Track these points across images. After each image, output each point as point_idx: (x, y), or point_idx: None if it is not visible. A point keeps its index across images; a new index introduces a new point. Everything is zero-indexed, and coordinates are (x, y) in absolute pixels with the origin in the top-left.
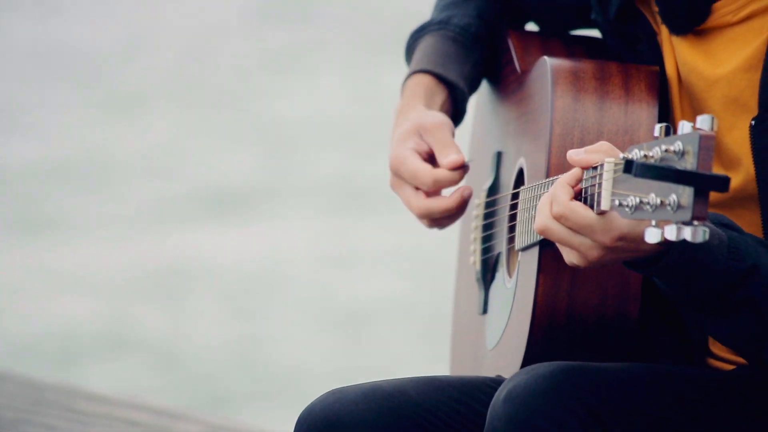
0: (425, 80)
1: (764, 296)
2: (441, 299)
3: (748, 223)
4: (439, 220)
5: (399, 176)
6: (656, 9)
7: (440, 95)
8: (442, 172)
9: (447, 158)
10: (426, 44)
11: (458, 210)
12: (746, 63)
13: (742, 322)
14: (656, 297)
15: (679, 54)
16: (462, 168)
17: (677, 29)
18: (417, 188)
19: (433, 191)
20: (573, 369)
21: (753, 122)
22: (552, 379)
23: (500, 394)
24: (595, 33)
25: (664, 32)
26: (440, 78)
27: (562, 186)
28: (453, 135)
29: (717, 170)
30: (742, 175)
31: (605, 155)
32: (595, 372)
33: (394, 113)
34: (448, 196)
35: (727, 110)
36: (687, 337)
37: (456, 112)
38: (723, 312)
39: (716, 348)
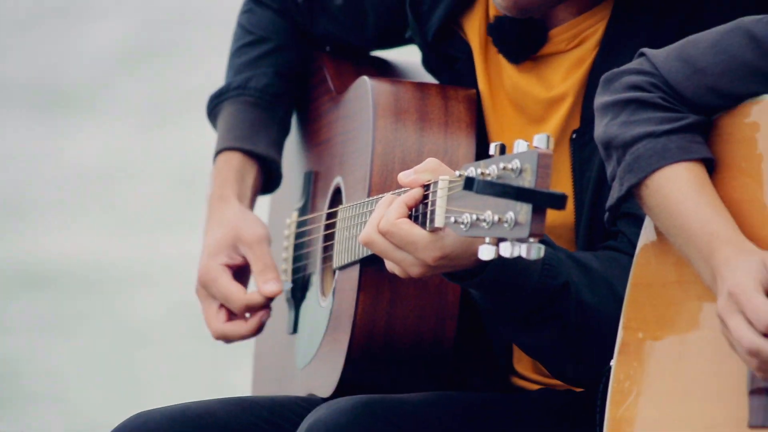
0: (234, 159)
1: (572, 313)
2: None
3: (565, 240)
4: (231, 340)
5: (207, 290)
6: (473, 31)
7: (251, 173)
8: (255, 298)
9: (266, 285)
10: (228, 114)
11: (254, 335)
12: (577, 84)
13: (549, 335)
14: (466, 317)
15: (511, 79)
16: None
17: (514, 58)
18: (221, 306)
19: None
20: (374, 402)
21: (574, 135)
22: (353, 413)
23: (302, 428)
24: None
25: (476, 52)
26: (249, 153)
27: (398, 204)
28: (269, 244)
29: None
30: (566, 189)
31: (435, 173)
32: (396, 404)
33: (207, 199)
34: (247, 323)
35: (559, 129)
36: (493, 357)
37: (269, 180)
38: (531, 325)
39: (520, 367)
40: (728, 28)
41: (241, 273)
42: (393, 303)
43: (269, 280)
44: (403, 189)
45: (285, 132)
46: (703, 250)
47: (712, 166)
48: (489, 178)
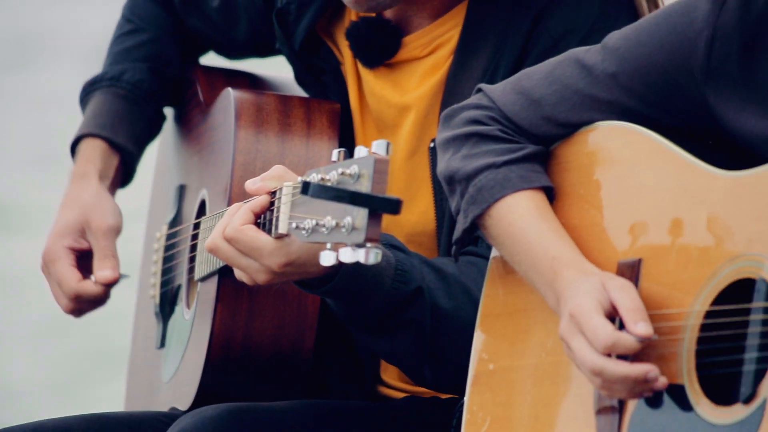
0: (99, 145)
1: (427, 318)
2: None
3: (426, 247)
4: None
5: (47, 269)
6: (344, 42)
7: (114, 160)
8: (86, 287)
9: (101, 272)
10: (97, 102)
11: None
12: (432, 91)
13: (405, 341)
14: (331, 327)
15: (368, 85)
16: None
17: (369, 63)
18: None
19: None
20: (240, 410)
21: (432, 144)
22: (219, 421)
23: None
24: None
25: (348, 63)
26: (109, 142)
27: (244, 211)
28: (118, 235)
29: (408, 201)
30: (427, 197)
31: (281, 180)
32: (263, 412)
33: (70, 175)
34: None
35: (413, 136)
36: (359, 366)
37: (126, 174)
38: (387, 331)
39: (387, 376)
40: (560, 58)
41: (87, 258)
42: (251, 314)
43: (105, 268)
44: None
45: (151, 131)
46: (547, 274)
47: (552, 194)
48: (329, 184)
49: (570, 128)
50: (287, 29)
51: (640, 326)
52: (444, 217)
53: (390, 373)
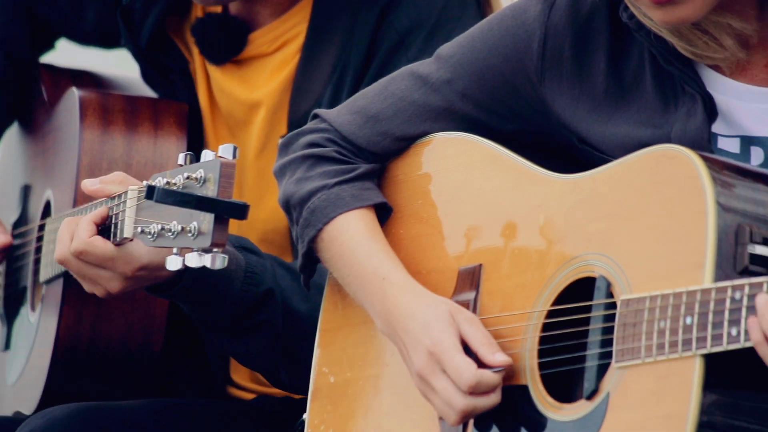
0: None
1: (280, 320)
2: None
3: (278, 246)
4: None
5: None
6: (191, 40)
7: None
8: None
9: None
10: None
11: None
12: (280, 87)
13: (258, 344)
14: (181, 329)
15: (216, 82)
16: None
17: (216, 60)
18: None
19: None
20: (90, 410)
21: (281, 140)
22: (69, 421)
23: None
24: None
25: (197, 61)
26: None
27: (86, 223)
28: None
29: (258, 198)
30: (277, 194)
31: (123, 185)
32: (113, 411)
33: None
34: None
35: (263, 132)
36: (209, 367)
37: None
38: (240, 334)
39: (237, 377)
40: (395, 74)
41: None
42: (98, 316)
43: None
44: (93, 202)
45: (4, 122)
46: (375, 295)
47: (387, 210)
48: (175, 188)
49: (407, 141)
50: (133, 27)
51: (497, 357)
52: None
53: (241, 374)
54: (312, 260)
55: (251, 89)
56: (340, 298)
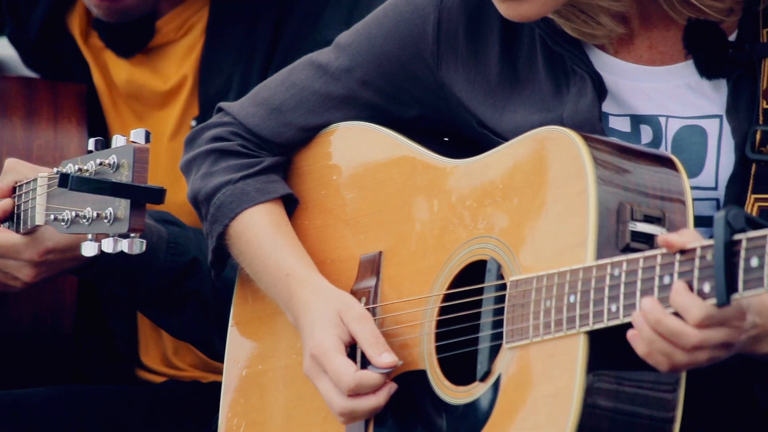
0: None
1: (208, 287)
2: None
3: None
4: None
5: None
6: (82, 24)
7: None
8: None
9: None
10: None
11: None
12: (190, 71)
13: (191, 314)
14: (90, 312)
15: (124, 69)
16: None
17: (124, 54)
18: None
19: None
20: None
21: (194, 122)
22: None
23: None
24: None
25: (93, 45)
26: None
27: None
28: None
29: (173, 181)
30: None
31: (15, 171)
32: (17, 399)
33: None
34: None
35: (175, 118)
36: (118, 349)
37: None
38: (172, 306)
39: (147, 360)
40: (295, 64)
41: None
42: (5, 303)
43: None
44: None
45: None
46: (282, 292)
47: (294, 201)
48: (87, 174)
49: (312, 131)
50: (20, 18)
51: (384, 357)
52: None
53: (151, 357)
54: (222, 256)
55: (161, 76)
56: (251, 291)
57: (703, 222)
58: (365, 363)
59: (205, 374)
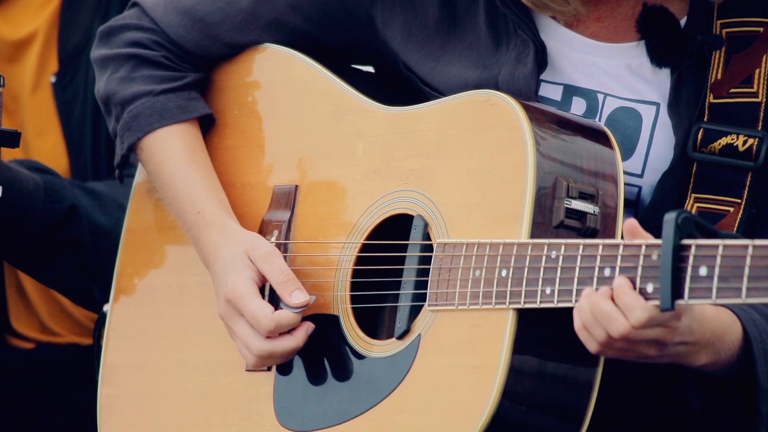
0: None
1: (86, 235)
2: None
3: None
4: None
5: None
6: None
7: None
8: None
9: None
10: None
11: None
12: (47, 22)
13: (69, 262)
14: None
15: None
16: None
17: None
18: None
19: None
20: None
21: (53, 78)
22: None
23: None
24: None
25: None
26: None
27: None
28: None
29: (36, 136)
30: (56, 132)
31: None
32: None
33: None
34: None
35: (34, 71)
36: None
37: None
38: (48, 255)
39: (19, 326)
40: None
41: None
42: None
43: None
44: None
45: None
46: (192, 228)
47: (212, 121)
48: None
49: (237, 48)
50: None
51: (295, 296)
52: (79, 153)
53: (22, 323)
54: (128, 160)
55: (16, 27)
56: (149, 200)
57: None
58: (275, 300)
59: (81, 338)
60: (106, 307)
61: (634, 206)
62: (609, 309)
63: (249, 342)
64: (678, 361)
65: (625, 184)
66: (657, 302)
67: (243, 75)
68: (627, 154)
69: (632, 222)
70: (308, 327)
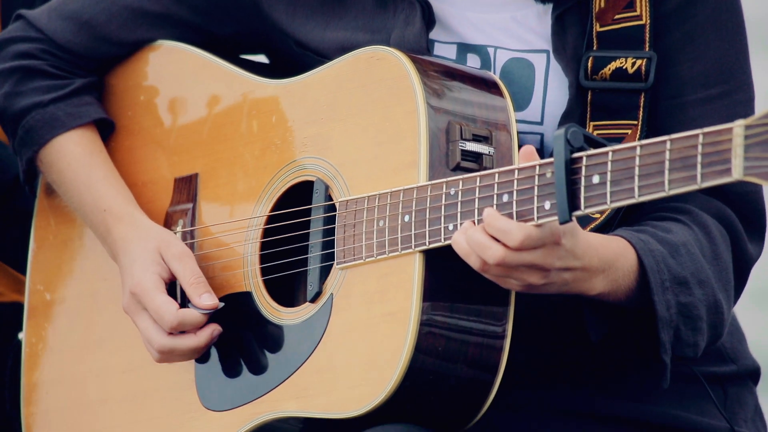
0: None
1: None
2: None
3: None
4: None
5: None
6: None
7: None
8: None
9: None
10: None
11: None
12: None
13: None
14: None
15: None
16: None
17: None
18: None
19: None
20: None
21: None
22: None
23: None
24: None
25: None
26: None
27: None
28: None
29: None
30: None
31: None
32: None
33: None
34: None
35: None
36: None
37: None
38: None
39: None
40: None
41: None
42: None
43: None
44: None
45: None
46: (100, 227)
47: (111, 124)
48: None
49: (129, 47)
50: None
51: (204, 299)
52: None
53: None
54: (34, 174)
55: None
56: (52, 214)
57: None
58: (185, 301)
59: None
60: (21, 335)
61: (538, 153)
62: (481, 238)
63: (151, 337)
64: (571, 290)
65: (527, 133)
66: (555, 218)
67: (135, 75)
68: (524, 104)
69: (528, 147)
70: (213, 329)
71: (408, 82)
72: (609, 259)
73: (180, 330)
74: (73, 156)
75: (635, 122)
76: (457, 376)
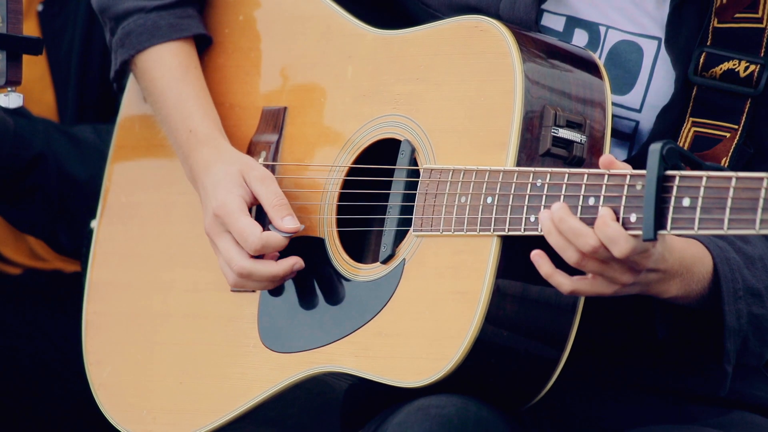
0: None
1: (53, 184)
2: None
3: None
4: None
5: None
6: None
7: None
8: None
9: None
10: None
11: None
12: None
13: (35, 208)
14: None
15: None
16: None
17: None
18: None
19: None
20: None
21: (41, 7)
22: None
23: None
24: None
25: None
26: None
27: None
28: None
29: None
30: (42, 64)
31: None
32: None
33: None
34: None
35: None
36: None
37: None
38: (14, 199)
39: (7, 250)
40: None
41: None
42: None
43: None
44: None
45: None
46: (183, 146)
47: (208, 40)
48: None
49: None
50: None
51: (286, 222)
52: (66, 87)
53: (10, 248)
54: (124, 74)
55: None
56: (139, 117)
57: (618, 136)
58: (263, 223)
59: (66, 265)
60: (93, 224)
61: (630, 139)
62: (577, 225)
63: (231, 258)
64: (648, 291)
65: (623, 118)
66: (639, 232)
67: None
68: (626, 89)
69: (608, 157)
70: (295, 262)
71: (509, 60)
72: (687, 264)
73: (262, 253)
74: (168, 68)
75: (736, 127)
76: (516, 365)
